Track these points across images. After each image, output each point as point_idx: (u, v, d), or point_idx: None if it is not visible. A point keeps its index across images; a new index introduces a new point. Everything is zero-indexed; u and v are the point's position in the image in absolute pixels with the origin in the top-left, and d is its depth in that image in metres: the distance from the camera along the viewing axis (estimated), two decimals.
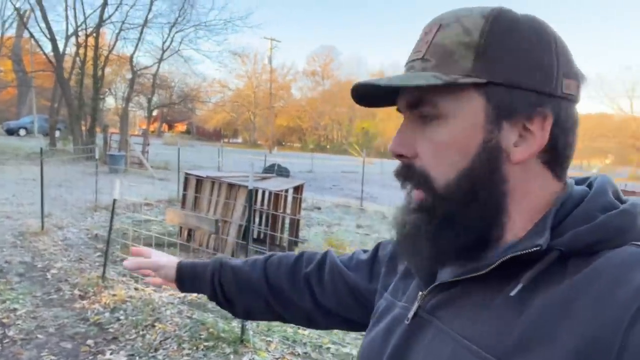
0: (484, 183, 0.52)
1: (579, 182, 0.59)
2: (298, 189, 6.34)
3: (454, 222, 0.53)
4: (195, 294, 4.21)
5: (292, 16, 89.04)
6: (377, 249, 0.86)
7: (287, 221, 6.47)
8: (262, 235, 6.33)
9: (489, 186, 0.52)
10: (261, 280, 0.91)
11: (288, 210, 6.50)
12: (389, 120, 56.12)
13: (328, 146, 57.66)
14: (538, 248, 0.48)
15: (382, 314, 0.68)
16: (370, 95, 0.60)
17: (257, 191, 6.09)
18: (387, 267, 0.78)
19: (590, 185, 0.56)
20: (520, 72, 0.51)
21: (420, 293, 0.61)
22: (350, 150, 39.41)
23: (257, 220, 6.45)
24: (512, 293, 0.48)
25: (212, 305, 3.94)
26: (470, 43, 0.52)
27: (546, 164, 0.54)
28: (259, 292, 0.92)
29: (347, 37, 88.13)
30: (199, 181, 5.84)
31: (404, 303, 0.65)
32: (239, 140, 61.07)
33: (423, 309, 0.59)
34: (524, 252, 0.49)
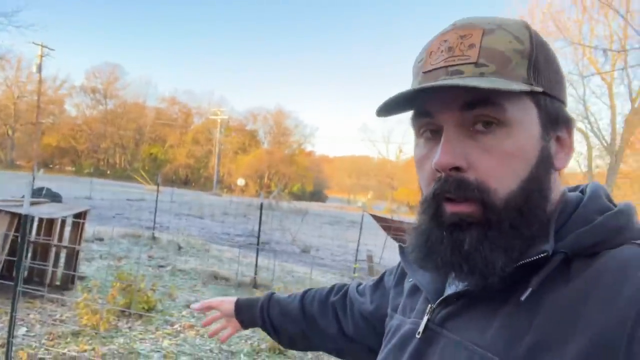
0: (540, 192, 0.54)
1: (570, 190, 0.61)
2: (80, 217, 5.42)
3: (519, 232, 0.52)
4: None
5: (70, 25, 79.32)
6: (383, 275, 0.89)
7: (63, 254, 5.42)
8: (26, 272, 5.12)
9: (542, 195, 0.54)
10: (298, 311, 0.99)
11: (65, 241, 5.47)
12: (180, 146, 54.35)
13: (109, 171, 52.26)
14: (545, 254, 0.50)
15: (394, 333, 0.68)
16: (390, 103, 0.56)
17: (20, 218, 4.93)
18: (395, 290, 0.79)
19: (582, 192, 0.59)
20: (555, 84, 0.55)
21: (430, 306, 0.61)
22: (136, 177, 36.43)
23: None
24: (523, 298, 0.49)
25: None
26: (524, 51, 0.53)
27: (557, 172, 0.57)
28: (297, 321, 0.99)
29: (136, 58, 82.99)
30: None
31: (413, 319, 0.65)
32: None
33: (432, 321, 0.60)
34: (532, 259, 0.50)
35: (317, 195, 55.95)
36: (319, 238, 13.08)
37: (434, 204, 0.54)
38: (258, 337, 4.38)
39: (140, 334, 4.18)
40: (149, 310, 4.63)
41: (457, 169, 0.52)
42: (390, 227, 9.41)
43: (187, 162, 53.77)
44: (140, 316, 4.51)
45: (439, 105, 0.54)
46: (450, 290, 0.61)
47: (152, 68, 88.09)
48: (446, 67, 0.53)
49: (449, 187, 0.52)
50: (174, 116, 57.33)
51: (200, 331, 4.46)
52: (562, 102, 0.57)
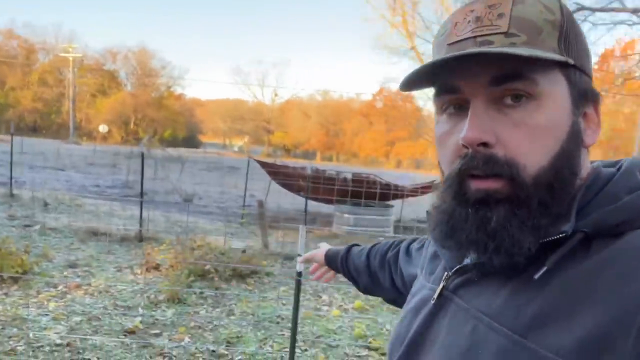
0: (570, 169, 0.52)
1: (607, 165, 0.58)
2: None
3: (548, 210, 0.50)
4: None
5: None
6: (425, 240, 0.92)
7: None
8: None
9: (572, 172, 0.52)
10: (364, 265, 1.09)
11: None
12: (24, 89, 46.85)
13: None
14: (564, 235, 0.48)
15: (414, 295, 0.70)
16: (413, 77, 0.53)
17: None
18: (427, 252, 0.80)
19: (619, 168, 0.56)
20: (584, 57, 0.54)
21: (446, 274, 0.62)
22: None
23: None
24: (536, 276, 0.48)
25: None
26: (555, 22, 0.51)
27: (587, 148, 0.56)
28: (364, 275, 1.10)
29: None
30: None
31: (431, 284, 0.66)
32: None
33: (447, 288, 0.60)
34: (551, 238, 0.49)
35: (191, 141, 53.62)
36: (199, 185, 12.82)
37: (457, 180, 0.52)
38: (155, 290, 4.34)
39: (21, 299, 3.87)
40: (25, 273, 4.26)
41: (484, 144, 0.50)
42: (276, 172, 9.58)
43: (34, 107, 46.73)
44: (16, 280, 4.15)
45: (466, 77, 0.51)
46: (468, 259, 0.60)
47: None
48: (474, 37, 0.51)
49: (477, 163, 0.50)
50: (13, 52, 48.82)
51: (89, 290, 4.27)
52: (590, 77, 0.55)
